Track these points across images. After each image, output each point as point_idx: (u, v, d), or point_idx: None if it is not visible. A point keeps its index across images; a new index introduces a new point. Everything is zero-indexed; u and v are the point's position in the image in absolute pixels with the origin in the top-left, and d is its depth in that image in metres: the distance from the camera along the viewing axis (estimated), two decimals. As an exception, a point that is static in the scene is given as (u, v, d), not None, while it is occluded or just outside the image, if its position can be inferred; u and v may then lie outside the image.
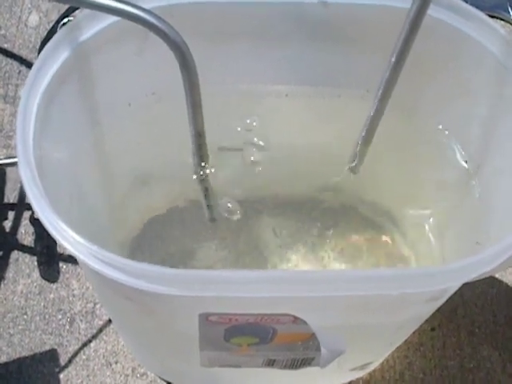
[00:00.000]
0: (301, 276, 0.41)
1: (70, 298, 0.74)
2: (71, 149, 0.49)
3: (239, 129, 0.58)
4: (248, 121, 0.58)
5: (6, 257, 0.76)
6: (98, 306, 0.73)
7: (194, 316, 0.44)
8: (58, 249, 0.76)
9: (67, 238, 0.39)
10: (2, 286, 0.75)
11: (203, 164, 0.53)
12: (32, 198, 0.40)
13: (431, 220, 0.61)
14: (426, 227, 0.62)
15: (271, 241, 0.64)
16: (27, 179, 0.41)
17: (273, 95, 0.56)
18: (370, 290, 0.40)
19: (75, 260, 0.75)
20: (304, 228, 0.64)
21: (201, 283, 0.39)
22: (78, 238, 0.39)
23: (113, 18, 0.46)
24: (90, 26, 0.46)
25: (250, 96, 0.56)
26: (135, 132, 0.55)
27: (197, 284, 0.39)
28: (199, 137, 0.50)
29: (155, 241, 0.63)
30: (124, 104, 0.54)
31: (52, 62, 0.45)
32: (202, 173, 0.53)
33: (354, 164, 0.57)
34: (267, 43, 0.53)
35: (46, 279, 0.75)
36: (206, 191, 0.55)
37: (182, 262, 0.63)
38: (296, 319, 0.45)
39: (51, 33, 0.88)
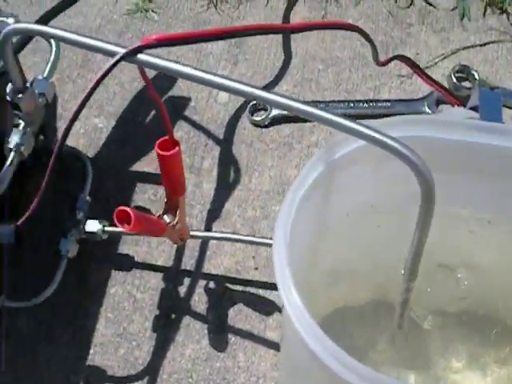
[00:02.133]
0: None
1: (235, 370, 0.78)
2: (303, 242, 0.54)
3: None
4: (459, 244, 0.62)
5: (178, 321, 0.81)
6: (261, 381, 0.77)
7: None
8: (229, 321, 0.80)
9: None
10: (172, 347, 0.80)
11: (411, 278, 0.56)
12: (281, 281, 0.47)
13: None
14: None
15: (442, 352, 0.67)
16: (280, 263, 0.48)
17: (479, 221, 0.60)
18: None
19: (245, 334, 0.79)
20: (480, 347, 0.67)
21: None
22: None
23: (362, 142, 0.50)
24: (344, 146, 0.52)
25: (460, 220, 0.60)
26: (351, 237, 0.60)
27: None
28: (416, 256, 0.53)
29: (339, 329, 0.66)
30: (343, 214, 0.58)
31: (313, 171, 0.53)
32: (406, 285, 0.56)
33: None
34: (481, 177, 0.57)
35: (214, 348, 0.79)
36: (405, 301, 0.58)
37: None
38: None
39: (239, 111, 0.94)
